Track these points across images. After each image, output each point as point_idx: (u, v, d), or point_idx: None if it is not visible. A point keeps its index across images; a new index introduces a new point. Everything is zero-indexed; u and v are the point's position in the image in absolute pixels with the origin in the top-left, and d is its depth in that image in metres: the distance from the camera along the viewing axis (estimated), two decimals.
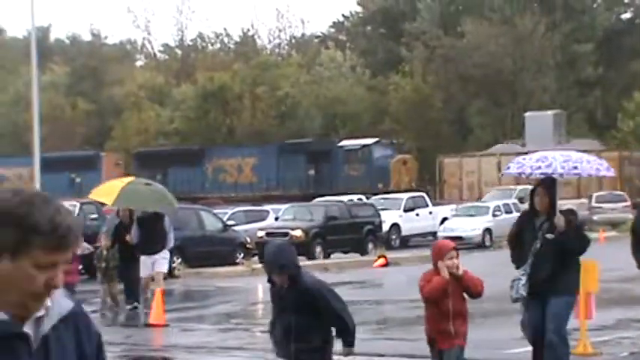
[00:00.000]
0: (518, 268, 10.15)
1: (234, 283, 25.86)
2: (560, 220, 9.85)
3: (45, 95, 63.94)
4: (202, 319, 18.92)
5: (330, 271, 28.29)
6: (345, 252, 35.15)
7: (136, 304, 19.51)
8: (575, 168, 9.92)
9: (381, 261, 31.29)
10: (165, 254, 19.14)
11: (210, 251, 29.75)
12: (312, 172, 53.73)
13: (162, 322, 17.10)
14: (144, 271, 18.76)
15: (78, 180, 56.10)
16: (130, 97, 77.67)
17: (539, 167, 9.88)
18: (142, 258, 18.71)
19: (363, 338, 15.04)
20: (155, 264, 18.77)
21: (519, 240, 10.22)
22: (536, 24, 67.23)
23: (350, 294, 22.09)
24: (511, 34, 66.96)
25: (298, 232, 33.58)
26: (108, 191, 19.13)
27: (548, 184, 9.96)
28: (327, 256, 33.79)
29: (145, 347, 15.77)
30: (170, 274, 28.21)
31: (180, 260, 28.64)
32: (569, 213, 10.24)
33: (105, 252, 19.71)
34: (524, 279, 10.03)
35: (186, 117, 73.40)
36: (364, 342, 14.80)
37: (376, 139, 54.35)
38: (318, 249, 33.79)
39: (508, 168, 10.34)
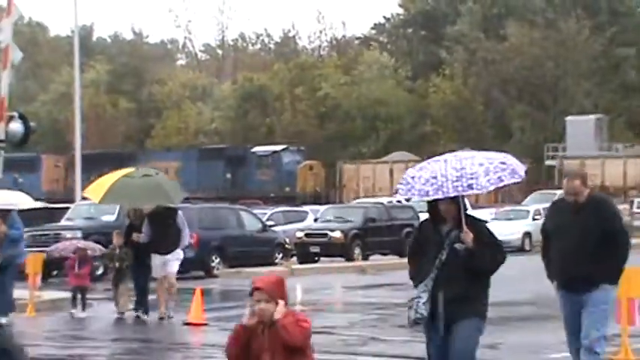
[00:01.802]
0: (417, 284, 8.48)
1: None
2: (467, 237, 8.25)
3: (86, 93, 64.40)
4: (241, 319, 18.92)
5: (368, 272, 28.23)
6: (384, 254, 35.07)
7: (140, 314, 18.08)
8: (471, 187, 8.08)
9: None
10: (178, 254, 17.92)
11: (249, 251, 29.80)
12: (228, 175, 57.50)
13: (202, 321, 17.14)
14: (156, 272, 17.80)
15: (20, 180, 56.62)
16: (171, 96, 78.05)
17: (428, 192, 8.16)
18: (153, 258, 17.66)
19: (402, 340, 15.03)
20: (166, 264, 17.74)
21: (421, 251, 8.59)
22: (581, 27, 66.76)
23: (388, 296, 22.07)
24: (554, 38, 66.55)
25: (337, 234, 33.56)
26: (98, 187, 17.77)
27: None
28: (365, 257, 33.73)
29: (184, 347, 15.82)
30: (209, 273, 28.36)
31: (219, 260, 28.72)
32: (479, 225, 8.50)
33: (118, 250, 18.56)
34: (424, 296, 8.38)
35: (226, 117, 73.62)
36: (403, 344, 14.77)
37: (285, 146, 58.39)
38: (357, 250, 33.73)
39: (398, 190, 8.60)
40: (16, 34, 15.04)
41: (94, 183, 18.95)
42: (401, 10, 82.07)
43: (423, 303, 8.38)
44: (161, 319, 17.76)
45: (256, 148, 58.95)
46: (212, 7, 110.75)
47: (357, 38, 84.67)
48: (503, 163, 8.28)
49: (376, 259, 34.31)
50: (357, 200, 43.46)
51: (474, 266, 8.30)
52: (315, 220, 37.00)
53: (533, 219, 40.32)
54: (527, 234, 39.56)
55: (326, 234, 33.50)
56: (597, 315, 9.52)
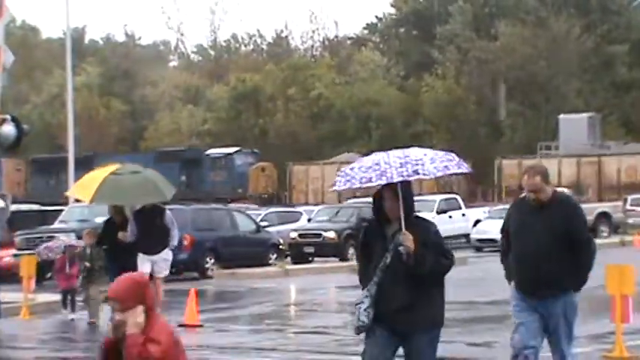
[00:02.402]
0: (363, 288, 7.81)
1: (267, 284, 25.90)
2: (407, 240, 7.58)
3: (79, 96, 64.33)
4: (236, 320, 18.94)
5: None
6: None
7: None
8: (417, 172, 7.60)
9: None
10: (166, 255, 16.96)
11: (243, 252, 29.82)
12: (183, 177, 58.57)
13: (196, 322, 17.13)
14: (142, 268, 16.60)
15: None
16: (164, 98, 78.01)
17: (370, 178, 7.60)
18: (140, 257, 16.66)
19: None
20: (154, 267, 16.76)
21: (368, 254, 7.91)
22: (571, 26, 66.84)
23: None
24: (545, 37, 66.61)
25: (331, 234, 33.60)
26: (86, 185, 16.72)
27: (397, 185, 7.68)
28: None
29: None
30: (203, 274, 28.36)
31: (213, 261, 28.74)
32: (424, 226, 7.85)
33: (89, 250, 17.65)
34: (367, 302, 7.69)
35: (218, 118, 73.62)
36: None
37: (238, 148, 59.65)
38: (351, 250, 33.74)
39: (335, 183, 7.88)
40: (8, 36, 15.00)
41: (78, 182, 18.19)
42: (393, 10, 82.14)
43: (365, 309, 7.71)
44: None
45: (210, 151, 60.32)
46: (204, 8, 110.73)
47: (350, 38, 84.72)
48: (448, 154, 7.96)
49: None
50: (351, 200, 43.50)
51: (417, 271, 7.63)
52: (309, 220, 37.03)
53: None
54: None
55: (320, 234, 33.54)
56: (564, 328, 9.02)
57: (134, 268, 16.55)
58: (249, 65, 79.13)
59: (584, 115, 59.14)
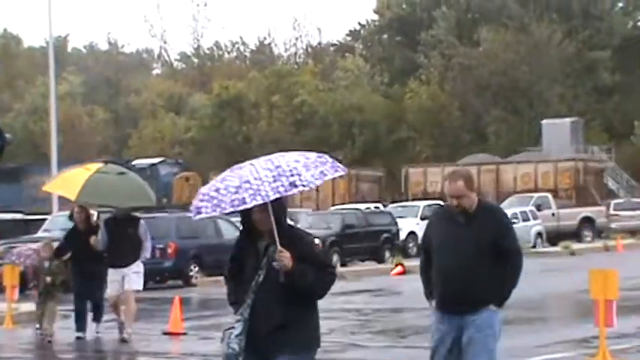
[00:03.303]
0: (236, 312, 7.07)
1: None
2: (282, 257, 6.76)
3: (62, 104, 64.17)
4: (220, 328, 18.82)
5: (347, 279, 28.25)
6: (362, 260, 35.09)
7: (81, 334, 16.38)
8: (294, 185, 6.71)
9: (399, 269, 31.24)
10: (138, 267, 15.83)
11: (227, 260, 29.71)
12: None
13: (181, 330, 17.09)
14: (112, 288, 15.80)
15: None
16: (147, 106, 77.92)
17: (244, 200, 6.64)
18: (110, 272, 15.68)
19: (381, 346, 15.05)
20: (125, 280, 15.70)
21: (239, 270, 7.19)
22: (553, 31, 67.10)
23: (367, 302, 22.09)
24: (527, 42, 66.85)
25: (315, 241, 33.55)
26: (70, 182, 15.52)
27: None
28: (343, 264, 33.76)
29: (164, 356, 15.77)
30: (188, 282, 28.30)
31: (197, 268, 28.68)
32: (301, 239, 7.08)
33: (47, 264, 16.22)
34: (239, 327, 6.90)
35: (202, 126, 73.56)
36: (382, 350, 14.79)
37: (162, 159, 60.38)
38: (335, 257, 33.76)
39: (198, 209, 6.84)
40: None
41: (58, 178, 17.22)
42: (376, 17, 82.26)
43: (236, 335, 6.86)
44: (123, 341, 16.00)
45: (136, 161, 60.22)
46: (187, 16, 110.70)
47: (333, 45, 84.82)
48: (320, 157, 7.01)
49: (355, 265, 34.34)
50: (335, 207, 43.56)
51: (295, 289, 6.78)
52: None
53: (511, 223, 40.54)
54: None
55: None
56: (482, 343, 7.99)
57: (100, 278, 15.91)
58: (232, 73, 79.13)
59: (567, 120, 59.39)
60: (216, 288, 27.03)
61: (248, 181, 6.72)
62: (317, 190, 57.26)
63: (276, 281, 6.82)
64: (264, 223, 6.86)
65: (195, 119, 74.70)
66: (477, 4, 74.92)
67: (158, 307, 20.00)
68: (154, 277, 28.50)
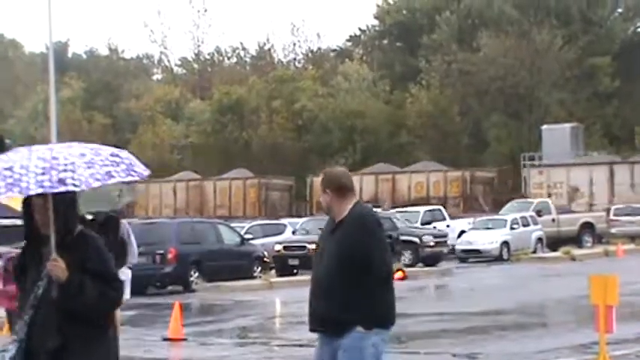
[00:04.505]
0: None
1: (251, 297, 25.86)
2: (54, 266, 5.75)
3: (62, 110, 64.22)
4: (220, 333, 18.90)
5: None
6: None
7: None
8: (63, 182, 5.63)
9: (399, 274, 31.22)
10: (122, 275, 14.76)
11: (227, 265, 29.76)
12: None
13: (181, 336, 17.09)
14: None
15: None
16: (146, 112, 77.93)
17: None
18: None
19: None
20: None
21: (24, 281, 6.04)
22: (553, 37, 67.14)
23: None
24: (527, 48, 66.89)
25: (315, 246, 33.51)
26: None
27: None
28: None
29: None
30: (188, 287, 28.29)
31: (197, 274, 28.68)
32: (86, 246, 5.99)
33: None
34: (12, 349, 5.80)
35: (202, 131, 73.56)
36: (384, 355, 14.76)
37: None
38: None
39: None
40: None
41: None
42: (376, 22, 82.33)
43: (11, 358, 5.76)
44: None
45: None
46: (187, 22, 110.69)
47: (333, 50, 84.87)
48: (115, 155, 6.02)
49: None
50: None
51: (70, 305, 5.75)
52: (294, 232, 37.00)
53: (511, 228, 40.54)
54: (505, 243, 39.74)
55: (304, 246, 33.46)
56: None
57: None
58: (233, 78, 79.18)
59: (567, 125, 59.42)
60: (217, 293, 27.05)
61: (11, 168, 5.72)
62: (229, 197, 58.12)
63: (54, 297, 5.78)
64: (46, 225, 5.86)
65: (194, 125, 74.73)
66: (477, 9, 75.00)
67: (158, 313, 20.01)
68: (154, 282, 28.55)
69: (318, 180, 48.29)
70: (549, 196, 51.23)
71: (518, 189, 55.54)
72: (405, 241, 36.40)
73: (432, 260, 36.38)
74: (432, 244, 36.72)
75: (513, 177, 58.82)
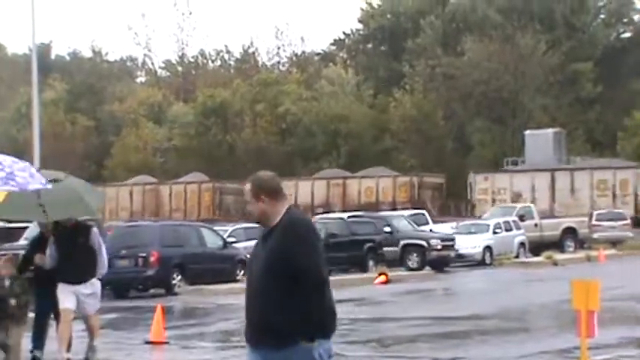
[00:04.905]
0: None
1: (234, 301, 25.77)
2: None
3: (45, 112, 64.01)
4: (202, 337, 18.86)
5: (330, 288, 28.21)
6: (346, 269, 35.05)
7: (37, 354, 13.81)
8: None
9: (382, 278, 31.23)
10: (93, 288, 13.56)
11: (210, 268, 29.69)
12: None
13: (163, 339, 17.04)
14: (63, 303, 13.28)
15: None
16: (129, 114, 77.78)
17: None
18: (60, 288, 13.26)
19: (363, 356, 15.03)
20: (81, 306, 13.46)
21: None
22: (537, 42, 67.36)
23: (351, 311, 22.06)
24: (511, 52, 67.10)
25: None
26: None
27: None
28: (327, 273, 33.69)
29: None
30: (170, 290, 28.23)
31: (180, 277, 28.61)
32: None
33: (7, 283, 12.85)
34: None
35: (185, 134, 73.47)
36: (365, 359, 14.79)
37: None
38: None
39: None
40: None
41: None
42: (360, 26, 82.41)
43: None
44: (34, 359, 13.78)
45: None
46: (172, 24, 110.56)
47: (317, 54, 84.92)
48: (15, 165, 5.48)
49: (338, 274, 34.29)
50: (319, 216, 43.58)
51: None
52: None
53: (494, 233, 40.61)
54: (488, 248, 39.79)
55: None
56: None
57: (53, 298, 13.49)
58: (217, 81, 79.13)
59: (550, 130, 59.63)
60: (199, 297, 26.99)
61: None
62: (185, 201, 58.32)
63: None
64: None
65: (177, 128, 74.62)
66: (461, 14, 75.18)
67: (140, 316, 19.95)
68: (136, 285, 28.47)
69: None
70: (494, 201, 52.19)
71: (464, 195, 56.33)
72: (412, 245, 36.39)
73: (438, 264, 36.06)
74: (439, 247, 36.45)
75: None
